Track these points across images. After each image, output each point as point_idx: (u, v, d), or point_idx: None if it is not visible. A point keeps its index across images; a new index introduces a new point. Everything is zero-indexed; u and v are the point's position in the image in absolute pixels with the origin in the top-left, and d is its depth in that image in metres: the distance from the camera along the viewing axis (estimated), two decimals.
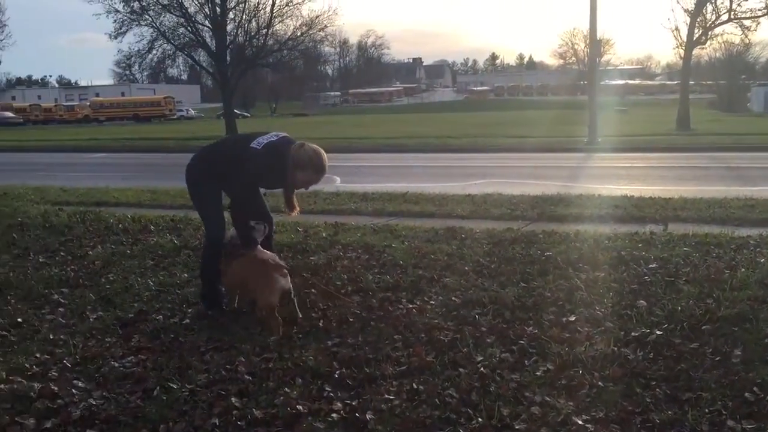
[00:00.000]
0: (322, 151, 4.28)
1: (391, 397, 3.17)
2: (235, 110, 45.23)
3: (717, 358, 3.48)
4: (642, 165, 15.17)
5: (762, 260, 5.28)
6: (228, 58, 35.16)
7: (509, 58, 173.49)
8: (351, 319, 4.26)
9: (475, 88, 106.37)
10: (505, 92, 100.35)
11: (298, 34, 36.01)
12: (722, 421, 2.86)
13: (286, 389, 3.27)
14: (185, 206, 9.16)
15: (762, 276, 4.78)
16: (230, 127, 33.17)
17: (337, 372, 3.45)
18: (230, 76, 34.89)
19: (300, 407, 3.06)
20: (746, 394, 3.07)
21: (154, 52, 36.87)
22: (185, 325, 4.25)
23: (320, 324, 4.18)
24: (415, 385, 3.28)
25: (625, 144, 19.84)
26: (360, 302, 4.57)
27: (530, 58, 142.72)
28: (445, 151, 20.81)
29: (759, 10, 28.28)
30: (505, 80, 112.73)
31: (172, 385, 3.34)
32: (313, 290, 4.76)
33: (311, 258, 5.76)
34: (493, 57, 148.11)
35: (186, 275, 5.34)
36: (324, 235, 6.72)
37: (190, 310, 4.51)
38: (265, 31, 35.27)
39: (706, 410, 2.95)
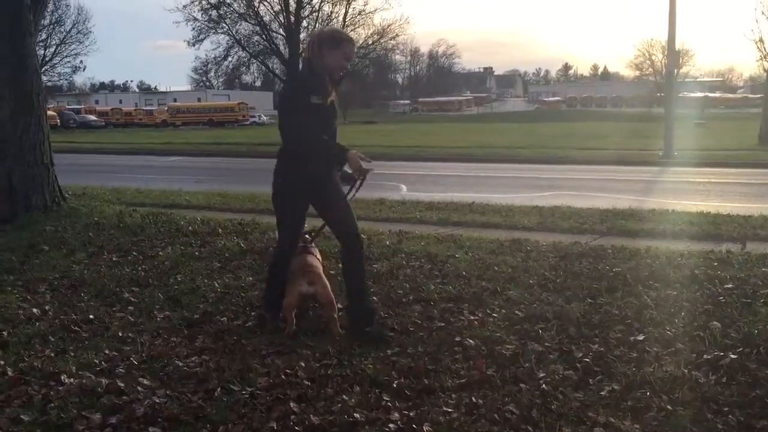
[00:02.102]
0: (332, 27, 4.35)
1: (449, 410, 3.13)
2: None
3: None
4: (720, 180, 14.58)
5: None
6: (300, 65, 35.78)
7: (583, 68, 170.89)
8: (411, 329, 4.23)
9: (546, 99, 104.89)
10: (577, 103, 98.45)
11: (370, 42, 36.44)
12: None
13: (344, 396, 3.27)
14: (254, 210, 9.39)
15: None
16: None
17: (396, 382, 3.43)
18: None
19: (357, 415, 3.05)
20: None
21: (230, 59, 38.12)
22: (248, 327, 4.31)
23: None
24: (474, 399, 3.23)
25: (703, 158, 19.11)
26: (421, 312, 4.54)
27: (605, 68, 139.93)
28: (514, 161, 20.53)
29: None
30: (578, 91, 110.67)
31: (233, 386, 3.39)
32: (374, 297, 4.76)
33: (374, 266, 5.75)
34: (566, 67, 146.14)
35: (251, 278, 5.42)
36: (387, 243, 6.72)
37: (253, 313, 4.57)
38: None
39: None
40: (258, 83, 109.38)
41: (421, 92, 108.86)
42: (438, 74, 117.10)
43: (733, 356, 3.63)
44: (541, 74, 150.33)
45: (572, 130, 38.66)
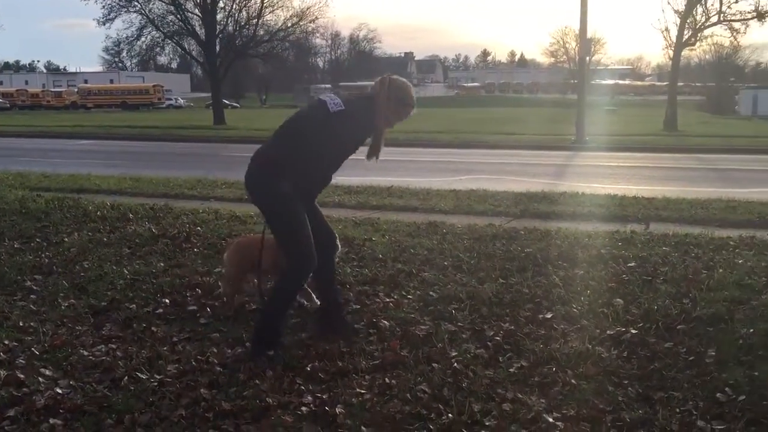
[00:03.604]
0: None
1: (362, 391, 3.15)
2: (225, 100, 45.03)
3: (690, 358, 3.48)
4: (628, 164, 15.19)
5: (740, 261, 5.28)
6: (217, 47, 34.90)
7: (501, 54, 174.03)
8: None
9: (466, 85, 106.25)
10: (495, 89, 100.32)
11: (289, 25, 35.85)
12: (692, 421, 2.85)
13: (257, 381, 3.23)
14: (167, 195, 9.14)
15: (739, 277, 4.78)
16: (218, 117, 32.98)
17: (310, 365, 3.42)
18: (219, 65, 34.65)
19: (269, 400, 3.03)
20: (718, 395, 3.07)
21: (143, 39, 36.51)
22: (158, 314, 4.21)
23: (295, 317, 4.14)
24: (387, 380, 3.26)
25: (612, 143, 19.87)
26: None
27: (521, 55, 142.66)
28: (434, 146, 20.76)
29: (748, 12, 28.30)
30: (496, 77, 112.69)
31: (140, 375, 3.31)
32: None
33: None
34: (485, 53, 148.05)
35: (162, 264, 5.28)
36: None
37: (165, 300, 4.45)
38: (255, 21, 35.10)
39: (677, 410, 2.95)
40: (174, 65, 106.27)
41: (342, 76, 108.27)
42: (359, 59, 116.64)
43: (634, 331, 3.80)
44: (461, 60, 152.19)
45: (490, 116, 39.43)
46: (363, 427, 2.80)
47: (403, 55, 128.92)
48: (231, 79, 55.60)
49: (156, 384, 3.21)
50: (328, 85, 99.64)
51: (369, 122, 3.69)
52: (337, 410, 2.94)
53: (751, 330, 3.77)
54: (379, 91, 3.69)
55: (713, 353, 3.51)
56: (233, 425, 2.84)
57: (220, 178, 11.00)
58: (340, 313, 3.98)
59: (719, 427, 2.80)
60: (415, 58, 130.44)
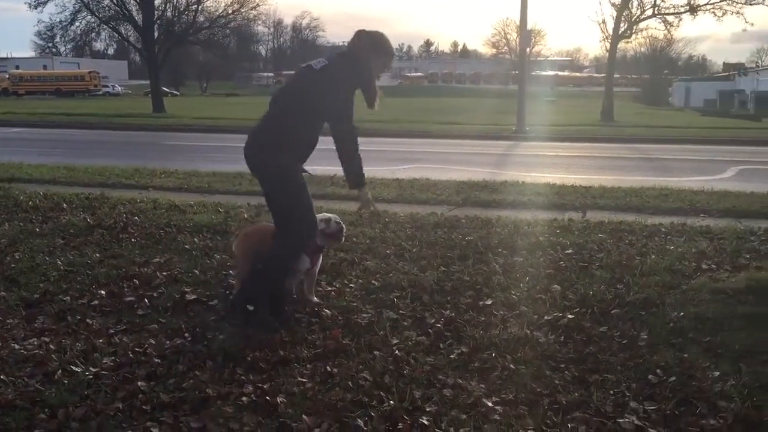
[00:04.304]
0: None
1: (303, 380, 3.14)
2: (164, 88, 44.06)
3: (624, 341, 3.59)
4: (566, 154, 15.53)
5: (671, 247, 5.48)
6: (156, 33, 34.04)
7: (444, 45, 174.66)
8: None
9: (409, 74, 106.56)
10: (438, 79, 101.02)
11: (230, 11, 35.28)
12: (625, 402, 2.94)
13: (197, 372, 3.19)
14: (104, 184, 8.90)
15: (670, 262, 4.96)
16: (157, 105, 32.21)
17: (251, 355, 3.39)
18: (158, 52, 33.80)
19: (209, 391, 2.99)
20: (650, 376, 3.18)
21: (77, 23, 35.34)
22: (94, 306, 4.09)
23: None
24: (329, 368, 3.26)
25: (552, 133, 20.26)
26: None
27: (464, 46, 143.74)
28: (377, 135, 20.74)
29: (681, 6, 29.23)
30: (439, 67, 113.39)
31: (75, 368, 3.21)
32: (231, 271, 4.68)
33: (231, 239, 5.63)
34: (428, 43, 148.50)
35: (98, 255, 5.14)
36: (246, 216, 6.60)
37: (101, 291, 4.33)
38: (195, 6, 34.42)
39: (611, 392, 3.04)
40: (111, 51, 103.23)
41: (285, 65, 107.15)
42: (302, 47, 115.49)
43: (570, 316, 3.90)
44: (404, 50, 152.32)
45: (434, 106, 39.66)
46: (304, 416, 2.79)
47: (345, 44, 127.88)
48: (171, 66, 54.29)
49: (91, 377, 3.13)
50: (271, 74, 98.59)
51: (354, 73, 3.83)
52: (278, 399, 2.93)
53: (681, 313, 3.92)
54: (357, 44, 3.89)
55: (645, 336, 3.63)
56: (172, 417, 2.79)
57: (159, 167, 10.77)
58: (282, 303, 3.98)
59: (651, 407, 2.89)
60: None
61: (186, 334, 3.65)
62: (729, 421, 2.76)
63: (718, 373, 3.17)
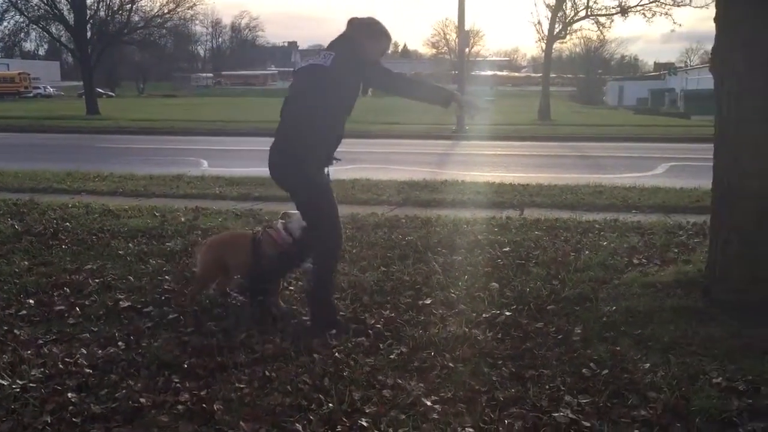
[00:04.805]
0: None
1: (241, 386, 3.09)
2: (99, 89, 42.86)
3: (559, 337, 3.66)
4: (504, 153, 15.79)
5: (604, 243, 5.62)
6: (89, 33, 33.06)
7: None
8: (208, 307, 4.12)
9: None
10: None
11: (165, 11, 34.59)
12: (560, 396, 3.00)
13: (130, 382, 3.11)
14: (34, 189, 8.61)
15: (603, 258, 5.09)
16: (91, 106, 31.30)
17: (187, 362, 3.32)
18: (91, 52, 32.84)
19: (143, 400, 2.92)
20: (583, 370, 3.24)
21: (6, 23, 34.11)
22: (22, 316, 3.95)
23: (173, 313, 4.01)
24: (267, 373, 3.22)
25: (490, 133, 20.55)
26: (216, 289, 4.43)
27: (405, 46, 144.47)
28: None
29: (613, 8, 30.12)
30: None
31: (1, 381, 3.09)
32: (167, 276, 4.58)
33: (167, 244, 5.52)
34: None
35: (26, 263, 4.96)
36: (183, 219, 6.47)
37: (29, 301, 4.18)
38: (129, 6, 33.58)
39: (547, 387, 3.09)
40: (42, 51, 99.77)
41: (225, 65, 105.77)
42: (242, 47, 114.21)
43: (508, 313, 3.96)
44: None
45: (373, 106, 39.65)
46: (242, 422, 2.75)
47: (286, 44, 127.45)
48: (105, 66, 52.95)
49: (18, 390, 3.01)
50: (210, 75, 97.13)
51: (359, 59, 3.79)
52: (215, 406, 2.88)
53: (614, 308, 4.02)
54: (353, 32, 3.87)
55: (579, 331, 3.71)
56: (103, 429, 2.71)
57: (92, 170, 10.45)
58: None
59: (584, 400, 2.96)
60: (299, 48, 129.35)
61: (119, 343, 3.56)
62: (659, 411, 2.84)
63: (648, 365, 3.27)
